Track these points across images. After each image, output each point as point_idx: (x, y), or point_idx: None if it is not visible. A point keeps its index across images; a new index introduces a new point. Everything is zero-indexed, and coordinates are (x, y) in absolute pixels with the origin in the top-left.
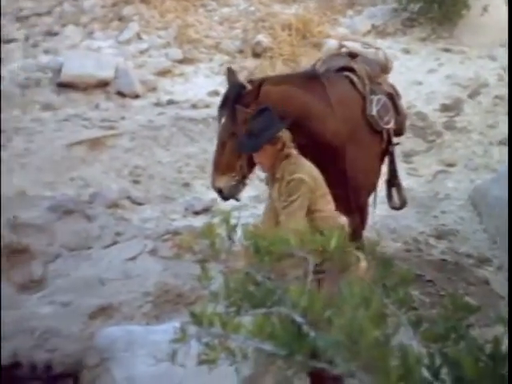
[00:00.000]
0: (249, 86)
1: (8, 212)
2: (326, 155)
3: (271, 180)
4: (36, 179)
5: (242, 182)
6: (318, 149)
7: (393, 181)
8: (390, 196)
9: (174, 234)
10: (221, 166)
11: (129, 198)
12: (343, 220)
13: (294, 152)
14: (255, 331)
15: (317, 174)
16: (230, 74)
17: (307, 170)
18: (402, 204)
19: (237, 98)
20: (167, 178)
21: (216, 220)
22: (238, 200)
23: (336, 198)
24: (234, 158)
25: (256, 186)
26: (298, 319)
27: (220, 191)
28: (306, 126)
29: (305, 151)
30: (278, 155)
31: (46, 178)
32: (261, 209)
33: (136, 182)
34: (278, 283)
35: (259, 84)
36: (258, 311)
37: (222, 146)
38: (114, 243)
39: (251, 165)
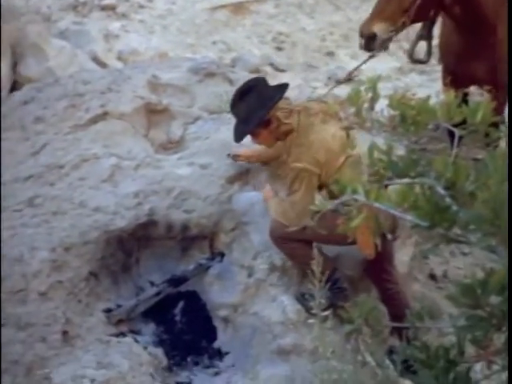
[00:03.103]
0: None
1: (148, 72)
2: (480, 30)
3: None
4: (177, 41)
5: (391, 39)
6: (475, 23)
7: None
8: None
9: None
10: (384, 12)
11: (271, 64)
12: None
13: (297, 120)
14: (398, 201)
15: (332, 143)
16: None
17: (314, 151)
18: None
19: None
20: (310, 45)
21: (363, 88)
22: (373, 57)
23: (483, 73)
24: (401, 11)
25: (399, 58)
26: (441, 191)
27: (372, 37)
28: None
29: (462, 25)
30: (276, 133)
31: (188, 40)
32: (404, 81)
33: (279, 48)
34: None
35: None
36: (402, 181)
37: None
38: None
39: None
